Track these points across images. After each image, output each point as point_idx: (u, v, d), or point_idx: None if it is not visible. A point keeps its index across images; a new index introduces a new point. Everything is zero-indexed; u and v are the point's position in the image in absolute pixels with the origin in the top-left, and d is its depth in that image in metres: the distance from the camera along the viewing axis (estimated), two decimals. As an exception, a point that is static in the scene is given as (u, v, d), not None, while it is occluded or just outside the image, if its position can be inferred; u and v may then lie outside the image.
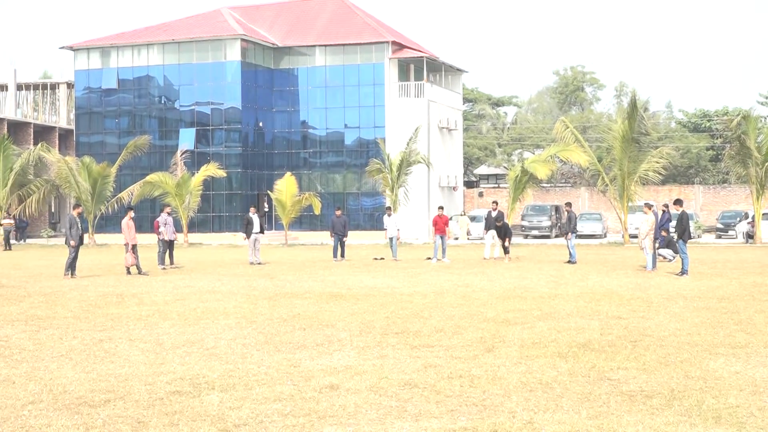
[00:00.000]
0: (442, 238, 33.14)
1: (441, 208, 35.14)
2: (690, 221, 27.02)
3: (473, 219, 55.11)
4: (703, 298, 19.03)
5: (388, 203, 51.36)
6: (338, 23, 63.19)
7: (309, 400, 9.33)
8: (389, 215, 36.59)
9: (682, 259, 25.75)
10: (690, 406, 8.90)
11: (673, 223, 28.35)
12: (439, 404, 9.09)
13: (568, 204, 34.75)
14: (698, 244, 44.48)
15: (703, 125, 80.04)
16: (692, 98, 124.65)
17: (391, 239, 35.32)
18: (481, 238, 42.07)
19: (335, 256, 34.79)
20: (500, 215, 35.23)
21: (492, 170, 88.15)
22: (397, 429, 8.12)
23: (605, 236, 55.70)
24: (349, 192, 61.26)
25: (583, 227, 51.30)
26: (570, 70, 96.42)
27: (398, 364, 11.35)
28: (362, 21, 63.43)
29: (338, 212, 36.66)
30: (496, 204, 36.16)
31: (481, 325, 14.92)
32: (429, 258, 33.85)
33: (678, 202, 28.09)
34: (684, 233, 26.01)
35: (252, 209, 34.39)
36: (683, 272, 25.19)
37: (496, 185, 79.49)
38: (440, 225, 33.30)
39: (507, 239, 33.26)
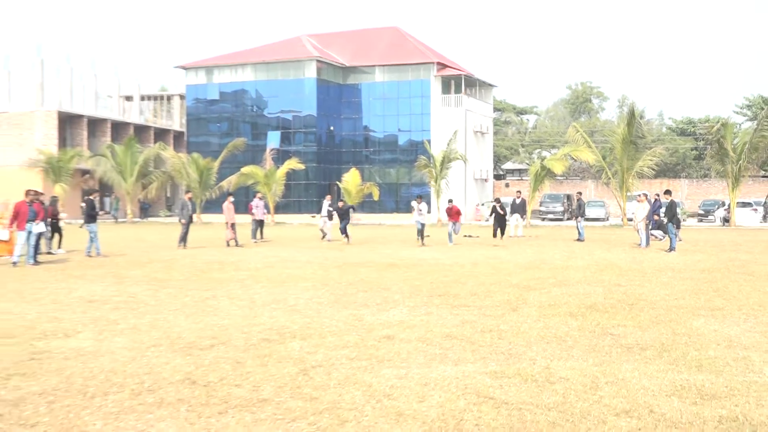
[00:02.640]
0: (455, 224, 29.71)
1: (451, 200, 31.56)
2: (677, 208, 26.69)
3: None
4: (687, 270, 18.82)
5: (432, 192, 51.33)
6: (394, 47, 63.14)
7: (370, 347, 9.42)
8: (419, 203, 30.57)
9: (671, 239, 25.51)
10: (677, 357, 8.84)
11: (663, 209, 28.12)
12: (473, 352, 9.12)
13: (579, 193, 34.51)
14: (683, 226, 43.82)
15: (688, 130, 79.10)
16: (680, 108, 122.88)
17: (420, 225, 29.83)
18: (508, 220, 41.76)
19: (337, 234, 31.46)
20: (523, 202, 35.03)
21: (516, 166, 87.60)
22: (440, 372, 8.15)
23: (607, 219, 55.17)
24: (401, 183, 61.37)
25: (589, 212, 50.93)
26: (580, 85, 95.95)
27: (441, 320, 11.38)
28: (413, 45, 63.39)
29: (341, 204, 33.13)
30: (520, 192, 35.98)
31: (507, 290, 14.89)
32: (468, 236, 33.57)
33: (668, 192, 27.91)
34: (673, 218, 25.80)
35: (328, 197, 34.26)
36: (671, 249, 24.93)
37: (520, 178, 78.94)
38: (452, 214, 29.71)
39: (500, 228, 30.12)
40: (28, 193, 20.96)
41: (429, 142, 55.49)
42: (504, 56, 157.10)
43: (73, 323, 11.18)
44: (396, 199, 60.92)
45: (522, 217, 35.42)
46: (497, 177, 76.12)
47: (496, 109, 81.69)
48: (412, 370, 8.19)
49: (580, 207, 32.59)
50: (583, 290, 14.88)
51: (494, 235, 30.00)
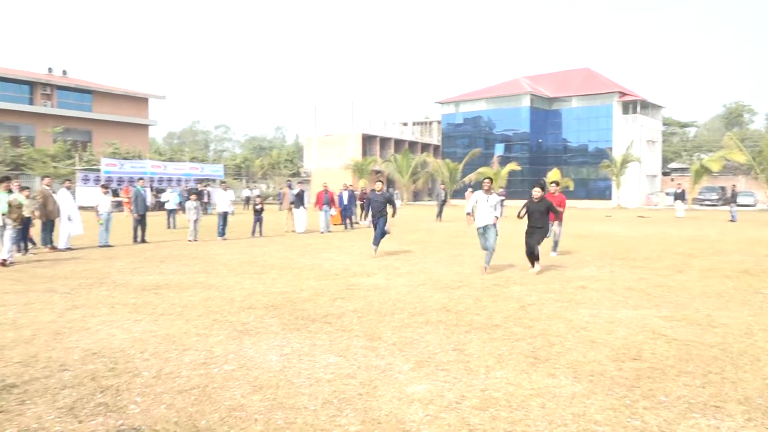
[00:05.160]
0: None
1: (541, 184, 12.46)
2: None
3: (668, 194, 50.16)
4: (828, 246, 15.93)
5: (613, 184, 47.93)
6: (586, 82, 59.43)
7: (570, 293, 8.92)
8: (489, 192, 11.71)
9: (813, 221, 21.75)
10: (822, 314, 7.48)
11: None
12: (649, 301, 8.34)
13: (734, 185, 31.01)
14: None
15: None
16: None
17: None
18: (672, 205, 37.93)
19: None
20: (683, 192, 31.58)
21: (679, 165, 79.21)
22: (623, 314, 7.55)
23: (755, 205, 48.53)
24: (589, 178, 57.75)
25: (740, 200, 45.36)
26: (735, 104, 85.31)
27: (622, 277, 10.54)
28: (600, 80, 59.30)
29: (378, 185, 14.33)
30: (680, 184, 32.78)
31: (674, 257, 13.47)
32: (641, 216, 30.86)
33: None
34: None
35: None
36: (813, 229, 21.27)
37: (681, 174, 71.23)
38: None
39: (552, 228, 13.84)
40: (323, 185, 22.19)
41: (611, 149, 52.16)
42: (673, 83, 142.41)
43: (372, 268, 11.71)
44: (586, 189, 57.53)
45: (683, 202, 31.98)
46: (664, 174, 69.29)
47: (664, 124, 74.36)
48: (601, 311, 7.66)
49: (734, 195, 28.93)
50: (737, 259, 13.08)
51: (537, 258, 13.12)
